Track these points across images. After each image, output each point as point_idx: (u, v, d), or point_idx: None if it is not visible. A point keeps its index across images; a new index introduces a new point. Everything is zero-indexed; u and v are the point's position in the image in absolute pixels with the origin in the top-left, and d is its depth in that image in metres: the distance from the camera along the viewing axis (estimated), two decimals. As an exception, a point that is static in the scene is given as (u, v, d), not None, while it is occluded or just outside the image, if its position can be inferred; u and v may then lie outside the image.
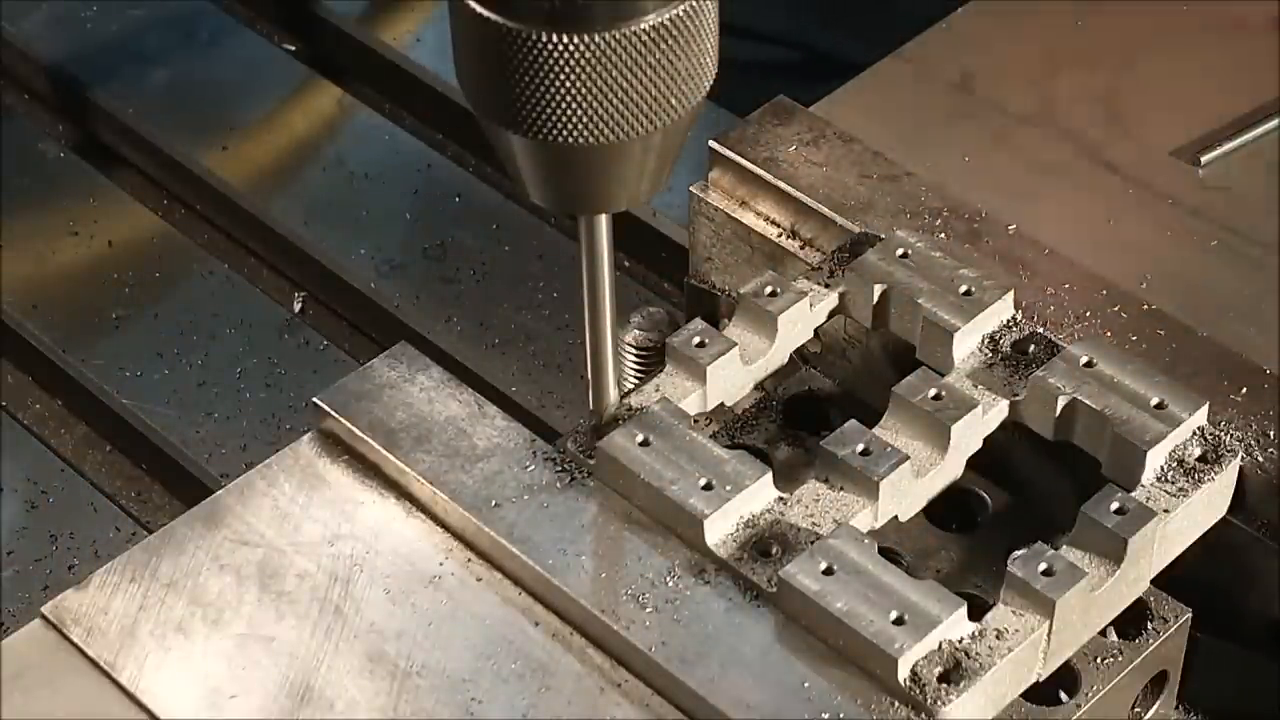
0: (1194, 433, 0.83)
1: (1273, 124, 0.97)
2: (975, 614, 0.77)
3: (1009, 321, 0.87)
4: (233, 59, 1.30)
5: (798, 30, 1.03)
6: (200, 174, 1.23)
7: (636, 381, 0.93)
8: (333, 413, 0.85)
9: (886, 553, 0.83)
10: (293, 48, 1.33)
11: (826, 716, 0.75)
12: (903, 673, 0.76)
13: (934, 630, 0.76)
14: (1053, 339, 0.86)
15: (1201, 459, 0.82)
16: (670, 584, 0.79)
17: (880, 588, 0.77)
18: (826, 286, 0.88)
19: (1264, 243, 0.92)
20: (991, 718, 0.77)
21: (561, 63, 0.70)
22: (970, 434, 0.83)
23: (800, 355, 0.94)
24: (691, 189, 0.96)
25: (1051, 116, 0.98)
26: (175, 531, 0.83)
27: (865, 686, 0.76)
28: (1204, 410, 0.83)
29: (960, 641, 0.77)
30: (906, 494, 0.82)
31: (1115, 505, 0.79)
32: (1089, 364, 0.84)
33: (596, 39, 0.70)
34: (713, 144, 0.95)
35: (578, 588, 0.79)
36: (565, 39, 0.69)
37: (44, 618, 0.81)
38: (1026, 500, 0.89)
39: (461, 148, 1.26)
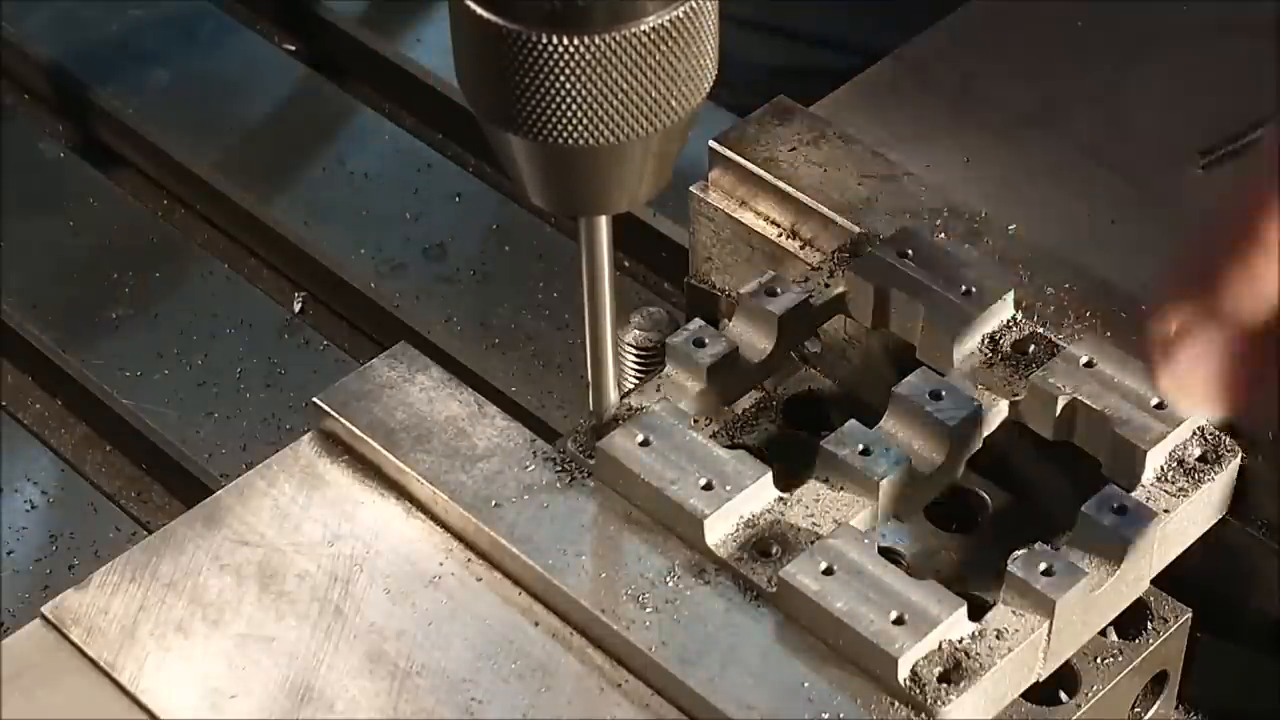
0: (1194, 433, 0.83)
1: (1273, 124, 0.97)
2: (975, 614, 0.77)
3: (1009, 321, 0.87)
4: (233, 59, 1.30)
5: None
6: (200, 174, 1.23)
7: (636, 381, 0.93)
8: (333, 413, 0.85)
9: (886, 553, 0.84)
10: (293, 48, 1.33)
11: (826, 716, 0.75)
12: (903, 673, 0.76)
13: (934, 630, 0.76)
14: (1053, 339, 0.86)
15: (1201, 459, 0.82)
16: (670, 584, 0.79)
17: (880, 588, 0.77)
18: (826, 286, 0.88)
19: (1264, 243, 0.92)
20: (991, 718, 0.78)
21: (561, 64, 0.70)
22: (970, 434, 0.83)
23: (800, 355, 0.94)
24: (691, 189, 0.96)
25: (1051, 116, 0.98)
26: (175, 531, 0.83)
27: (865, 686, 0.76)
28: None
29: (960, 641, 0.77)
30: (906, 494, 0.82)
31: (1115, 505, 0.79)
32: (1089, 364, 0.84)
33: (596, 40, 0.70)
34: (713, 144, 0.95)
35: (578, 588, 0.79)
36: (565, 40, 0.69)
37: (44, 618, 0.81)
38: (1026, 500, 0.89)
39: (461, 148, 1.26)
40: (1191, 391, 0.70)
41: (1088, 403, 0.83)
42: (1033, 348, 0.85)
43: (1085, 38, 1.02)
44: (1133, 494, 0.80)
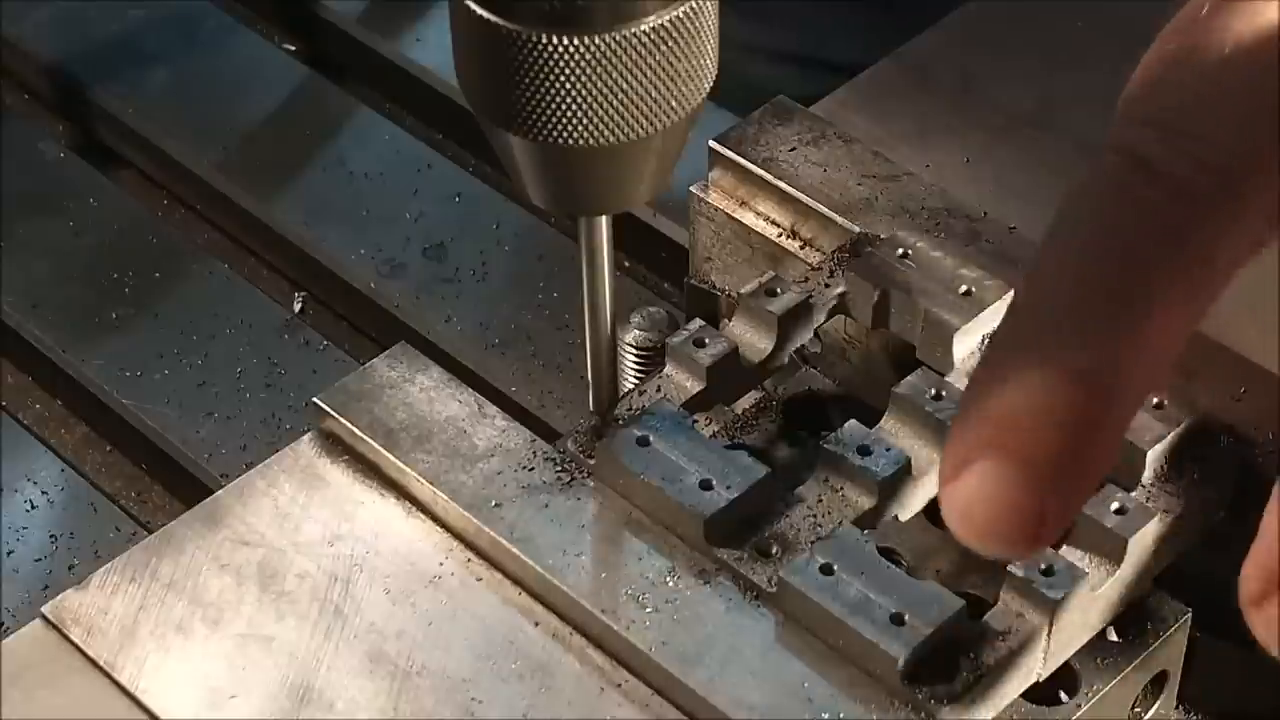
0: (1194, 432, 0.83)
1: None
2: (975, 614, 0.77)
3: (1009, 321, 0.87)
4: (233, 59, 1.30)
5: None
6: (200, 174, 1.23)
7: (636, 381, 0.93)
8: (333, 413, 0.85)
9: (886, 553, 0.84)
10: (293, 48, 1.33)
11: (826, 716, 0.75)
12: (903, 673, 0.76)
13: (934, 630, 0.76)
14: (1053, 339, 0.86)
15: (1201, 459, 0.82)
16: (670, 584, 0.79)
17: (880, 588, 0.77)
18: (826, 286, 0.88)
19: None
20: (991, 718, 0.78)
21: (561, 64, 0.70)
22: (970, 434, 0.83)
23: (800, 355, 0.94)
24: (691, 189, 0.96)
25: (1051, 116, 0.98)
26: (175, 531, 0.83)
27: (865, 686, 0.76)
28: (1203, 410, 0.83)
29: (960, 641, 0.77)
30: (906, 494, 0.82)
31: (1115, 505, 0.79)
32: (1089, 364, 0.84)
33: (596, 40, 0.70)
34: (713, 144, 0.95)
35: (578, 588, 0.79)
36: (565, 40, 0.69)
37: (44, 618, 0.81)
38: (1026, 500, 0.89)
39: (461, 148, 1.26)
40: None
41: (1088, 403, 0.83)
42: (1033, 348, 0.85)
43: (1085, 38, 1.02)
44: (1132, 494, 0.80)
